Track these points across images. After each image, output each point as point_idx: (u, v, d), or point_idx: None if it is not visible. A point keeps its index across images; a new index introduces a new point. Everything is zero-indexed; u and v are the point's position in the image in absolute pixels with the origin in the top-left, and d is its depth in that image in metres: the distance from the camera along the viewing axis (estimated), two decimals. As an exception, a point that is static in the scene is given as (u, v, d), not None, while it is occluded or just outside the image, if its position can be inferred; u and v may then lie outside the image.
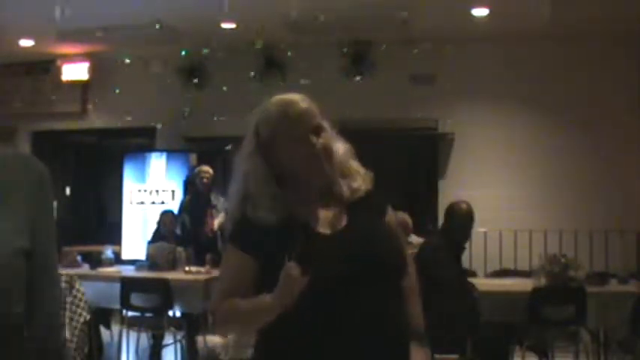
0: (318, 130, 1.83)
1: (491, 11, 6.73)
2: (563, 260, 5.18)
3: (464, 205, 4.90)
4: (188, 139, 8.21)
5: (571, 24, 6.80)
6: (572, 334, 5.12)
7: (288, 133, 1.82)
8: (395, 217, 1.98)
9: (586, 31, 7.00)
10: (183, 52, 7.80)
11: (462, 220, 4.85)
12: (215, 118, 7.87)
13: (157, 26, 6.97)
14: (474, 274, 5.91)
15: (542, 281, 5.14)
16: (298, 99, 1.86)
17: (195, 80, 7.86)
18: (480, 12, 6.76)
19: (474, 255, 6.51)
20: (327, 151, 1.82)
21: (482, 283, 5.31)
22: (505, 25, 6.93)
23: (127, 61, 8.15)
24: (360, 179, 1.89)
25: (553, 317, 4.87)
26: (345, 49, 7.44)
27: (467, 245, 5.08)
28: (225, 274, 1.89)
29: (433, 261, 4.60)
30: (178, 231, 6.73)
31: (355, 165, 1.92)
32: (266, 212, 1.80)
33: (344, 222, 1.84)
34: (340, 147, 1.90)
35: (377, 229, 1.87)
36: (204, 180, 6.98)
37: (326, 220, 1.84)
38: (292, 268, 1.68)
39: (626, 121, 7.22)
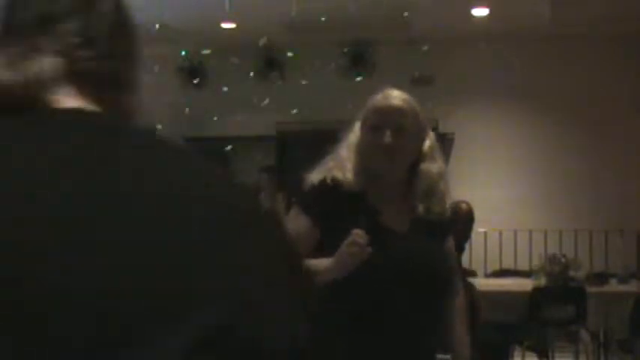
0: (399, 130, 1.83)
1: (491, 11, 6.73)
2: (563, 260, 5.18)
3: (464, 205, 4.90)
4: (188, 139, 8.21)
5: (571, 24, 6.80)
6: (572, 334, 5.13)
7: (371, 119, 1.87)
8: (452, 247, 2.01)
9: (586, 31, 6.99)
10: (183, 52, 7.80)
11: (461, 220, 4.85)
12: (215, 118, 7.87)
13: (157, 26, 6.97)
14: (474, 274, 5.91)
15: (542, 281, 5.15)
16: (398, 96, 1.88)
17: (195, 80, 7.86)
18: (480, 12, 6.76)
19: (473, 255, 6.50)
20: (396, 153, 1.83)
21: (482, 283, 5.32)
22: (505, 25, 6.93)
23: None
24: (443, 206, 1.89)
25: (553, 317, 4.87)
26: (345, 49, 7.44)
27: (467, 245, 5.08)
28: None
29: None
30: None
31: (443, 189, 1.91)
32: (349, 174, 1.83)
33: (405, 227, 1.86)
34: (436, 166, 1.90)
35: (433, 246, 1.90)
36: None
37: (391, 215, 1.86)
38: (360, 236, 1.68)
39: (627, 121, 7.21)
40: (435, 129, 7.56)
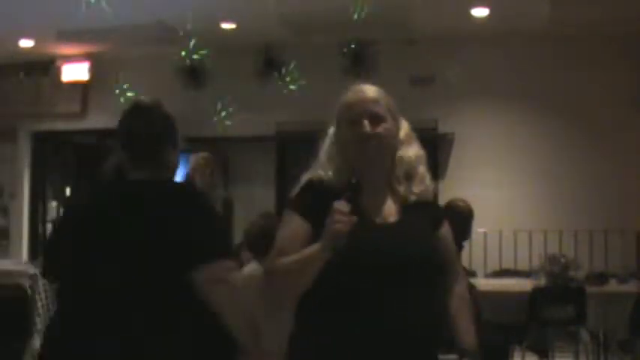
0: (377, 119, 1.88)
1: (491, 11, 6.73)
2: (563, 260, 5.19)
3: (461, 204, 4.90)
4: (188, 139, 8.19)
5: (571, 24, 6.80)
6: (572, 334, 5.13)
7: (346, 114, 1.91)
8: (449, 232, 2.00)
9: (586, 31, 6.99)
10: (183, 53, 7.79)
11: (460, 218, 4.84)
12: (215, 119, 7.87)
13: (157, 26, 6.97)
14: (473, 274, 5.91)
15: (542, 281, 5.15)
16: (367, 88, 1.98)
17: (195, 80, 7.85)
18: (480, 12, 6.76)
19: (474, 255, 6.50)
20: (378, 139, 1.86)
21: (482, 283, 5.31)
22: (505, 25, 6.93)
23: (127, 61, 8.15)
24: (423, 186, 1.94)
25: (553, 317, 4.87)
26: (345, 49, 7.44)
27: (465, 244, 5.08)
28: (281, 236, 1.89)
29: None
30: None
31: (423, 171, 1.96)
32: (331, 173, 1.88)
33: (395, 218, 1.88)
34: (412, 150, 1.97)
35: (424, 233, 1.90)
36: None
37: (379, 210, 1.88)
38: (343, 205, 1.70)
39: (627, 121, 7.21)
40: (434, 129, 7.64)
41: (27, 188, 9.06)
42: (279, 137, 8.01)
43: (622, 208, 7.03)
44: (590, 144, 7.30)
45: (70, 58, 8.47)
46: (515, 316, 4.90)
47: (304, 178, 1.94)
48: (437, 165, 7.63)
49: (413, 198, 1.90)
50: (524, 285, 5.18)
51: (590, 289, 4.97)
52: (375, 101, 1.91)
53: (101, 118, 8.67)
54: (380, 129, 1.87)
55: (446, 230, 1.99)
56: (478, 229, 6.83)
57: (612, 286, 5.39)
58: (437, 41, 7.31)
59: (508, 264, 6.90)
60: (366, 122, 1.86)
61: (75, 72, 8.55)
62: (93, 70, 8.51)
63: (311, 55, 7.38)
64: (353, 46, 7.43)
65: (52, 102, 8.69)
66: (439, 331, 1.87)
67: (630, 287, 5.29)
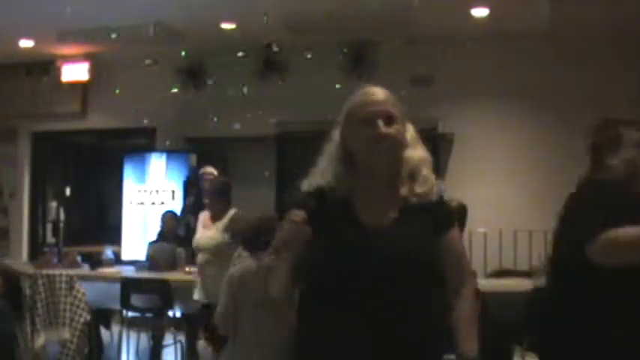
0: (389, 119, 1.86)
1: (491, 11, 6.73)
2: (563, 260, 5.17)
3: (454, 203, 4.91)
4: (188, 139, 8.21)
5: (571, 24, 6.80)
6: (572, 334, 5.12)
7: (357, 114, 1.88)
8: (459, 238, 1.97)
9: (586, 31, 6.99)
10: (182, 53, 7.79)
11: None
12: (215, 119, 7.87)
13: (157, 26, 6.97)
14: (473, 275, 5.91)
15: (542, 281, 5.14)
16: (379, 89, 1.93)
17: (195, 80, 7.86)
18: (480, 12, 6.76)
19: (473, 255, 6.49)
20: (392, 140, 1.85)
21: (482, 283, 5.31)
22: (505, 25, 6.93)
23: (127, 61, 8.15)
24: (426, 187, 1.90)
25: (553, 317, 4.86)
26: (345, 49, 7.44)
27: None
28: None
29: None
30: (182, 232, 6.70)
31: (427, 173, 1.93)
32: (330, 182, 1.87)
33: (391, 221, 1.86)
34: (417, 153, 1.95)
35: (418, 237, 1.86)
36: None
37: (375, 213, 1.86)
38: (297, 215, 1.72)
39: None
40: (434, 129, 7.64)
41: (27, 188, 9.06)
42: (279, 137, 8.01)
43: (622, 208, 7.01)
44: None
45: (70, 58, 8.47)
46: (515, 316, 4.89)
47: (305, 184, 1.92)
48: (437, 165, 7.60)
49: (414, 199, 1.88)
50: (524, 285, 5.17)
51: (590, 289, 4.96)
52: (387, 102, 1.89)
53: (101, 118, 8.68)
54: (392, 130, 1.85)
55: (452, 236, 1.93)
56: (478, 229, 6.85)
57: (612, 286, 5.37)
58: (437, 41, 7.31)
59: (508, 264, 6.90)
60: (380, 122, 1.84)
61: (75, 72, 8.55)
62: (93, 70, 8.51)
63: (311, 55, 7.37)
64: (353, 46, 7.43)
65: (52, 102, 8.69)
66: (431, 336, 1.84)
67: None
